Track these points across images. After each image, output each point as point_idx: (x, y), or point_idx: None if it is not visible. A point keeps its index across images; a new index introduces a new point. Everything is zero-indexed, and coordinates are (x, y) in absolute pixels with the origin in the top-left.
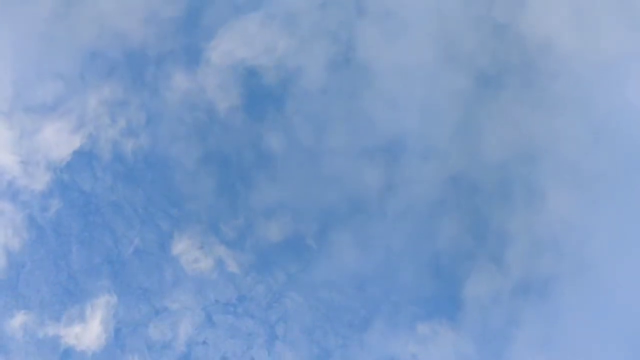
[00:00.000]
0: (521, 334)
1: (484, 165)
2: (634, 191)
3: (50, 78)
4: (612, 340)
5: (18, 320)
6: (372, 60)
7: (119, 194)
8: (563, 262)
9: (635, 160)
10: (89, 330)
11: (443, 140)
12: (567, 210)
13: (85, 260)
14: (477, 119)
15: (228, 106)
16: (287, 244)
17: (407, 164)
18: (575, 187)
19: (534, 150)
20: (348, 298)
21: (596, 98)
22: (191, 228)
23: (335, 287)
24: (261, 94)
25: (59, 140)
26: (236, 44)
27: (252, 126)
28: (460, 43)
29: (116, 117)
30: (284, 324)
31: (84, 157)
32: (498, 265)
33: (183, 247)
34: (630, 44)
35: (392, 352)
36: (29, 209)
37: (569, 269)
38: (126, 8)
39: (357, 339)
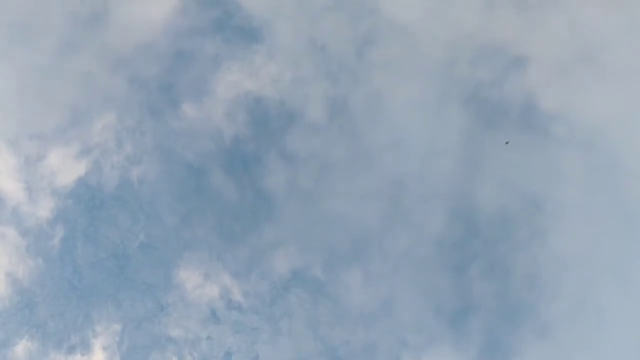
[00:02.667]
0: None
1: (484, 206)
2: (635, 232)
3: (55, 106)
4: None
5: (21, 347)
6: (371, 103)
7: (123, 220)
8: (564, 302)
9: (637, 202)
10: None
11: (444, 182)
12: (568, 251)
13: (91, 287)
14: (478, 160)
15: (233, 135)
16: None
17: (409, 205)
18: (578, 226)
19: (534, 191)
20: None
21: (596, 141)
22: (196, 256)
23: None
24: (264, 127)
25: (63, 166)
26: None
27: (255, 165)
28: (461, 86)
29: (122, 143)
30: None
31: (89, 184)
32: (499, 304)
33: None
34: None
35: None
36: (33, 235)
37: (570, 310)
38: (133, 38)
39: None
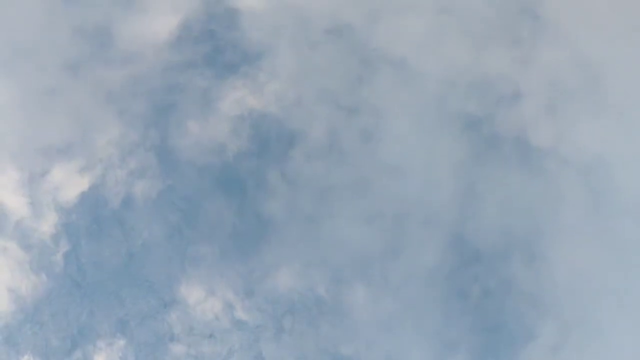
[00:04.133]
0: None
1: (485, 230)
2: (637, 253)
3: (60, 121)
4: None
5: None
6: (373, 127)
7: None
8: (567, 329)
9: (637, 223)
10: None
11: (444, 206)
12: (571, 276)
13: (95, 307)
14: (478, 184)
15: (235, 153)
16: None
17: (410, 230)
18: (578, 251)
19: (533, 217)
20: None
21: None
22: (198, 273)
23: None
24: (266, 145)
25: (67, 181)
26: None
27: (256, 190)
28: (461, 112)
29: (126, 158)
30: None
31: (93, 199)
32: (500, 332)
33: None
34: None
35: None
36: (37, 251)
37: (573, 337)
38: (141, 52)
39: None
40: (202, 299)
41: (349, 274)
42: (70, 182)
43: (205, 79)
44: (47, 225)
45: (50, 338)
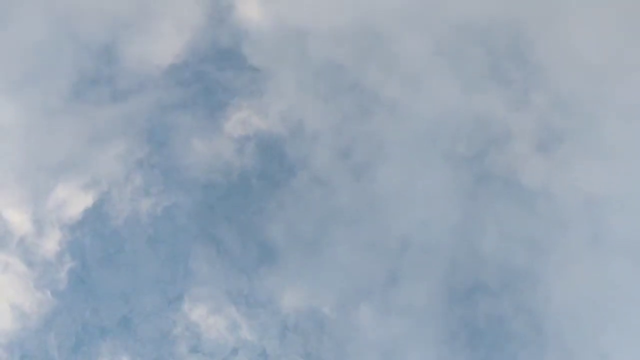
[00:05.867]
0: None
1: (486, 259)
2: (630, 290)
3: (65, 138)
4: None
5: None
6: (368, 163)
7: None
8: (569, 352)
9: (631, 260)
10: None
11: (451, 232)
12: (574, 305)
13: (98, 322)
14: (479, 214)
15: (238, 174)
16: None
17: (411, 258)
18: (580, 280)
19: (536, 244)
20: None
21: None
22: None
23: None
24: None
25: (72, 198)
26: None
27: (256, 216)
28: (462, 143)
29: (131, 176)
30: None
31: (97, 216)
32: (505, 355)
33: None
34: None
35: None
36: (40, 268)
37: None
38: (143, 75)
39: None
40: (205, 316)
41: (352, 297)
42: (74, 199)
43: (211, 99)
44: (52, 242)
45: (54, 357)
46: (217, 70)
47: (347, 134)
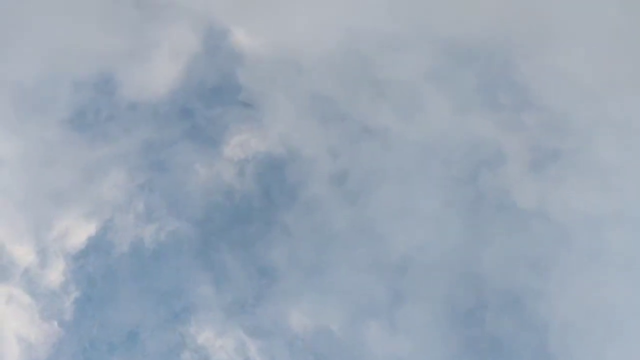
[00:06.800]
0: None
1: (485, 279)
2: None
3: (64, 167)
4: None
5: None
6: (361, 189)
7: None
8: None
9: (626, 280)
10: None
11: (449, 253)
12: (577, 321)
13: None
14: (482, 230)
15: (239, 197)
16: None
17: (412, 279)
18: (581, 296)
19: (535, 262)
20: None
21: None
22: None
23: None
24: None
25: (75, 227)
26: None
27: (258, 239)
28: (455, 165)
29: (133, 202)
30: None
31: (100, 244)
32: None
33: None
34: None
35: None
36: (46, 299)
37: None
38: (143, 100)
39: None
40: (212, 339)
41: (358, 315)
42: (77, 228)
43: (209, 125)
44: (55, 272)
45: None
46: (214, 96)
47: (343, 158)
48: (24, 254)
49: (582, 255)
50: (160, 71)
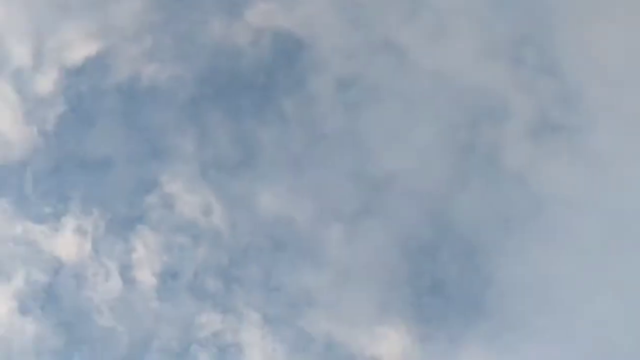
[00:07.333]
0: None
1: (457, 220)
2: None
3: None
4: None
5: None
6: (375, 94)
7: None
8: (551, 311)
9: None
10: None
11: (427, 185)
12: (523, 286)
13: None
14: (464, 176)
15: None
16: None
17: (388, 198)
18: (539, 265)
19: (508, 222)
20: None
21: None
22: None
23: None
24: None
25: (76, 42)
26: None
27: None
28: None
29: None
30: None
31: (98, 67)
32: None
33: None
34: None
35: None
36: (31, 103)
37: (556, 316)
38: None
39: None
40: (182, 192)
41: (325, 216)
42: (78, 44)
43: None
44: (48, 81)
45: (30, 196)
46: None
47: (356, 65)
48: (20, 52)
49: (550, 231)
50: None
